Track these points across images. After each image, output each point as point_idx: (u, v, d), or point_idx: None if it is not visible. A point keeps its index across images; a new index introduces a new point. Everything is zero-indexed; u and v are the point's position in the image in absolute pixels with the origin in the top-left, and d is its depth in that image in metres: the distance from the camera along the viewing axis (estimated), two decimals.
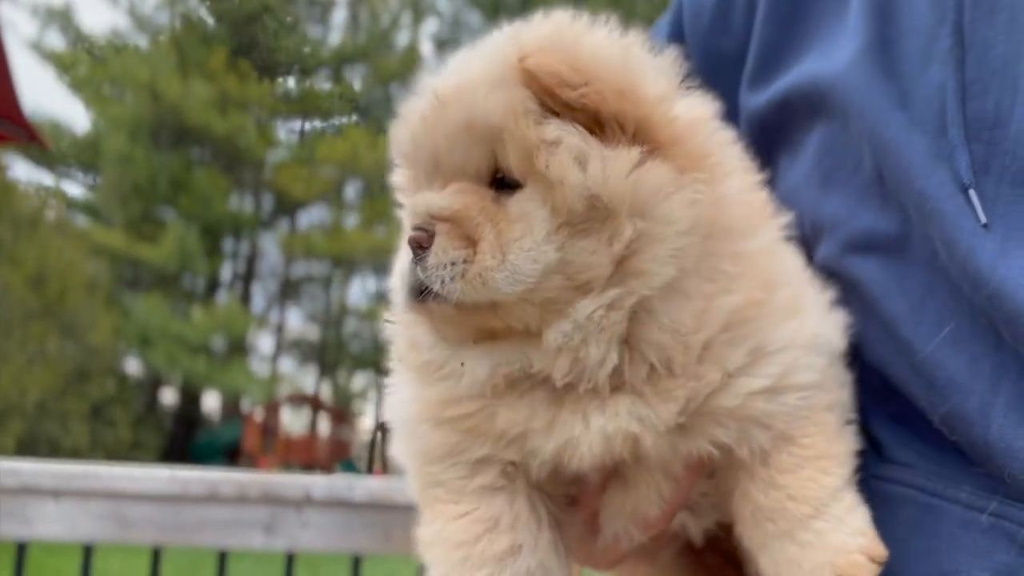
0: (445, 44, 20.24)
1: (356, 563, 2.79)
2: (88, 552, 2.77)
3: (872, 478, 0.94)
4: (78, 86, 18.96)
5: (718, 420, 0.83)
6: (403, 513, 2.53)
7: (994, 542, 0.82)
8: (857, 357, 0.99)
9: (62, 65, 18.91)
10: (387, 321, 0.91)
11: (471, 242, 0.77)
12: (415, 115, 0.80)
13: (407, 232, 0.79)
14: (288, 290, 22.65)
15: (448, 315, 0.79)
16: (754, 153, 1.05)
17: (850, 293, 0.94)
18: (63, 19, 19.18)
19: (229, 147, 18.77)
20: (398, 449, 0.91)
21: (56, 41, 19.11)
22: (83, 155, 18.43)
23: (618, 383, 0.81)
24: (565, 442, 0.81)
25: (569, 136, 0.76)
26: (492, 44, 0.81)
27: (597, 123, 0.77)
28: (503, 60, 0.77)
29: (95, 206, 19.25)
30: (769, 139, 1.06)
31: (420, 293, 0.77)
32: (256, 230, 21.56)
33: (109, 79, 18.63)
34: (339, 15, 20.09)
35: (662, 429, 0.81)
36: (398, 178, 0.86)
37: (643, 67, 0.81)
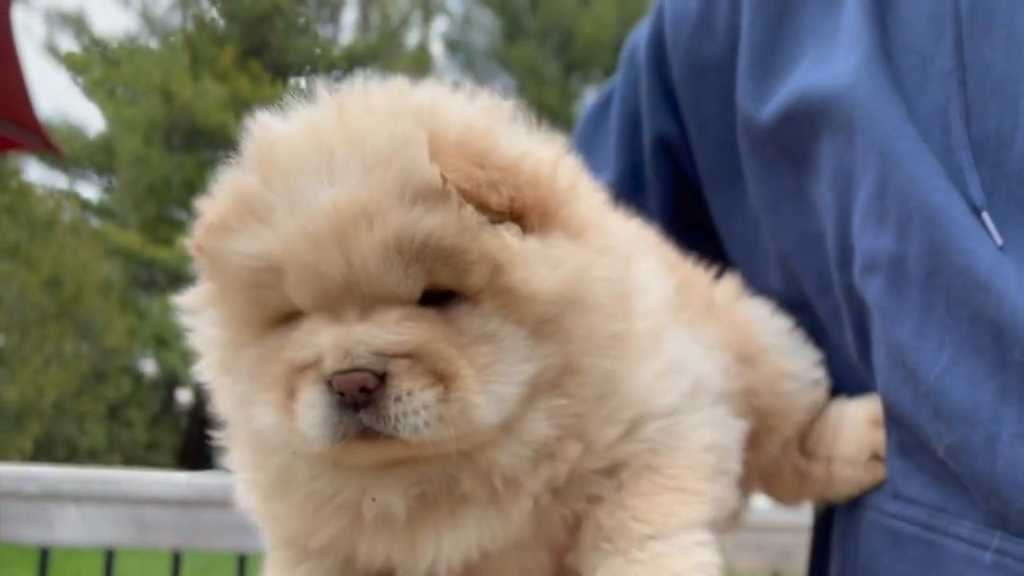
0: (455, 43, 20.26)
1: None
2: (109, 556, 2.82)
3: (882, 515, 0.92)
4: (92, 89, 19.06)
5: (588, 479, 0.78)
6: None
7: None
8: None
9: (76, 68, 19.01)
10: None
11: (439, 378, 0.69)
12: (294, 232, 0.69)
13: (252, 363, 0.72)
14: None
15: (395, 453, 0.72)
16: (771, 167, 1.04)
17: (867, 318, 0.93)
18: (76, 22, 19.27)
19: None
20: (244, 505, 0.85)
21: (69, 44, 19.21)
22: (97, 157, 18.52)
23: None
24: (430, 563, 0.76)
25: (529, 242, 0.71)
26: (381, 137, 0.70)
27: (518, 219, 0.72)
28: (413, 169, 0.69)
29: (110, 208, 19.35)
30: (785, 154, 1.04)
31: (363, 433, 0.69)
32: None
33: (122, 82, 18.71)
34: (349, 15, 20.08)
35: (513, 533, 0.75)
36: (215, 299, 0.75)
37: (516, 141, 0.75)
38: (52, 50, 18.18)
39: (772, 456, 1.05)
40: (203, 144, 18.51)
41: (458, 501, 0.75)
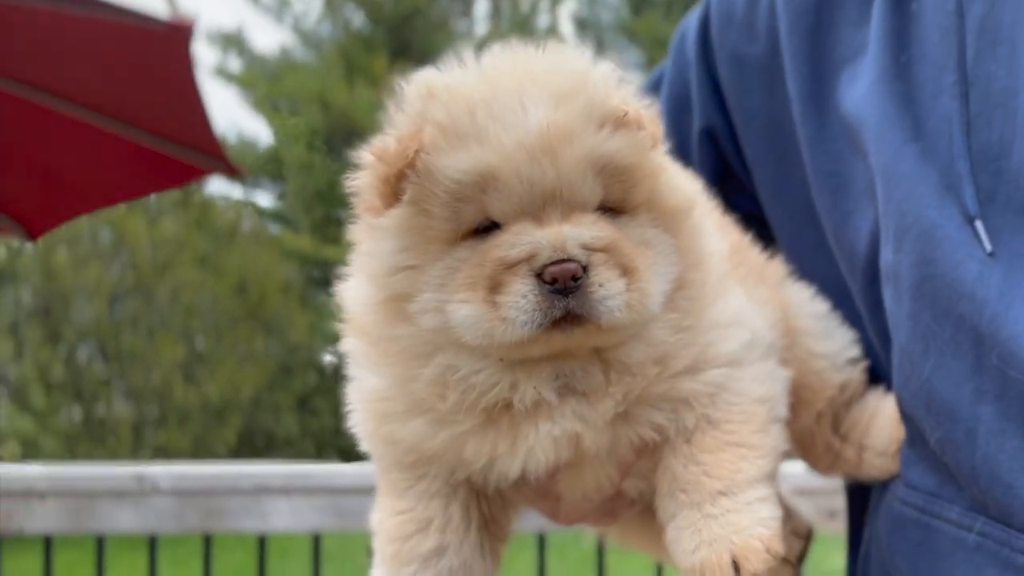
0: (584, 22, 20.17)
1: (541, 541, 3.06)
2: (316, 541, 3.20)
3: (893, 499, 1.01)
4: (257, 104, 20.27)
5: (654, 405, 0.88)
6: None
7: (984, 560, 0.86)
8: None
9: (241, 85, 20.25)
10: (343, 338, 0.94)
11: (625, 270, 0.82)
12: (512, 147, 0.80)
13: (459, 259, 0.81)
14: None
15: (580, 340, 0.83)
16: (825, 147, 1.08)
17: (886, 322, 1.00)
18: (237, 42, 20.51)
19: None
20: (358, 431, 0.97)
21: (233, 63, 20.46)
22: (269, 167, 19.74)
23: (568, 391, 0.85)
24: (527, 459, 0.87)
25: (675, 165, 0.89)
26: (562, 76, 0.84)
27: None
28: (596, 100, 0.83)
29: (283, 214, 20.62)
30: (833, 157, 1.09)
31: (561, 321, 0.80)
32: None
33: (284, 94, 19.82)
34: (481, 7, 20.37)
35: (600, 425, 0.86)
36: (440, 201, 0.83)
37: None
38: (221, 71, 19.46)
39: (806, 426, 1.12)
40: (360, 147, 19.42)
41: (555, 404, 0.86)
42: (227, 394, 15.89)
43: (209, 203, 18.03)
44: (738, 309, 0.94)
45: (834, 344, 1.11)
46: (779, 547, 0.89)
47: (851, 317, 1.12)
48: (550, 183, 0.81)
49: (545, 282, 0.79)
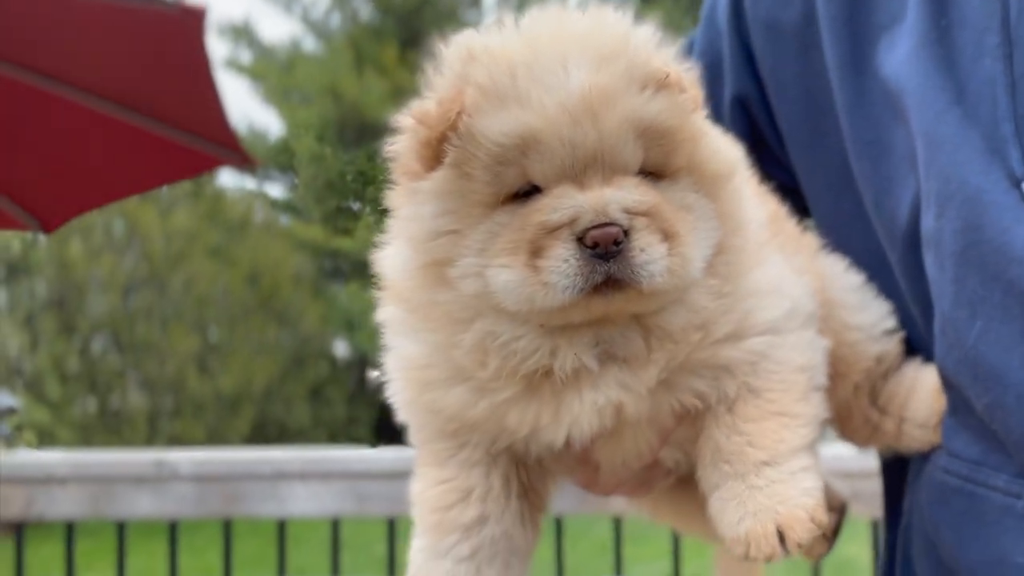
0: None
1: (558, 522, 3.07)
2: (335, 525, 3.22)
3: (935, 469, 1.01)
4: (268, 95, 20.28)
5: (695, 372, 0.88)
6: None
7: None
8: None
9: (251, 77, 20.26)
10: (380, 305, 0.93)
11: (666, 234, 0.81)
12: (553, 109, 0.79)
13: (496, 223, 0.80)
14: None
15: (621, 306, 0.82)
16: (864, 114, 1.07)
17: (928, 290, 0.99)
18: (246, 34, 20.50)
19: None
20: (396, 400, 0.97)
21: (243, 54, 20.46)
22: (280, 158, 19.79)
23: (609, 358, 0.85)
24: (571, 427, 0.87)
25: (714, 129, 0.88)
26: (603, 38, 0.83)
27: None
28: (637, 63, 0.82)
29: (294, 205, 20.67)
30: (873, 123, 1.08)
31: (601, 286, 0.79)
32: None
33: (294, 85, 19.83)
34: None
35: (643, 392, 0.86)
36: (485, 166, 0.82)
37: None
38: (232, 63, 19.48)
39: (843, 399, 1.11)
40: (371, 137, 19.46)
41: (597, 371, 0.86)
42: (240, 384, 15.97)
43: (221, 195, 18.08)
44: (778, 277, 0.94)
45: (870, 316, 1.10)
46: (823, 516, 0.89)
47: (888, 287, 1.11)
48: (591, 146, 0.80)
49: (587, 246, 0.79)
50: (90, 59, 3.65)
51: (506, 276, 0.81)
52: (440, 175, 0.84)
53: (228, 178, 21.72)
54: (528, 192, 0.83)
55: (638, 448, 0.95)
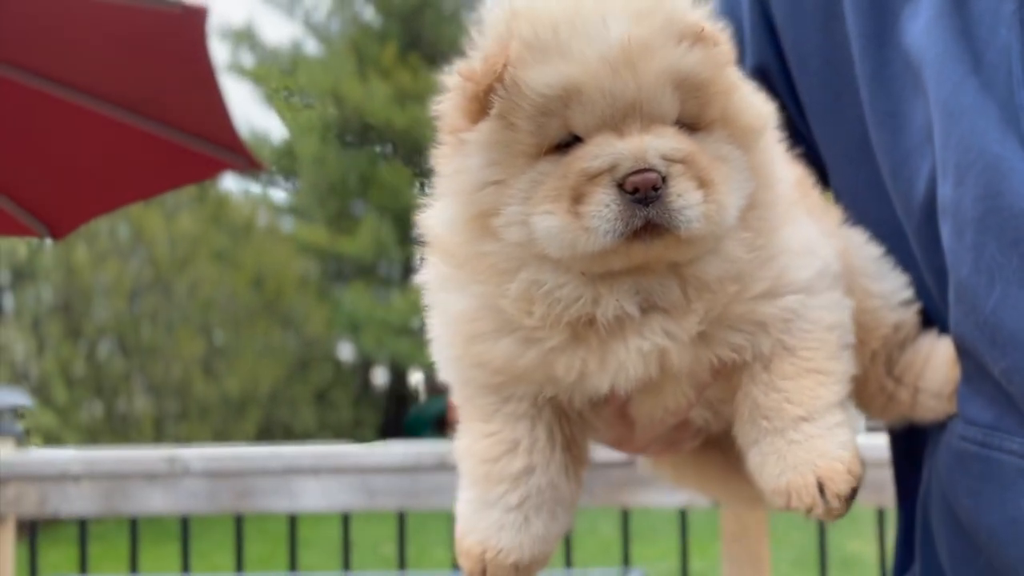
0: None
1: None
2: (345, 520, 3.25)
3: (952, 436, 1.02)
4: (270, 98, 20.29)
5: (732, 326, 0.91)
6: (604, 471, 2.80)
7: None
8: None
9: (254, 80, 20.29)
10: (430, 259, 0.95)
11: (702, 182, 0.83)
12: (594, 61, 0.81)
13: (540, 172, 0.83)
14: None
15: (659, 253, 0.84)
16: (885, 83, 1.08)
17: (943, 260, 1.00)
18: (249, 38, 20.54)
19: (408, 139, 19.64)
20: (440, 363, 0.99)
21: (245, 58, 20.50)
22: (282, 161, 19.82)
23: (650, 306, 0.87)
24: (616, 374, 0.89)
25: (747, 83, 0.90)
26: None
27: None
28: (674, 16, 0.84)
29: (298, 208, 20.70)
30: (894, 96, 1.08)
31: (639, 231, 0.81)
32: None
33: (296, 88, 19.85)
34: None
35: (686, 340, 0.88)
36: (528, 113, 0.84)
37: None
38: (234, 66, 19.53)
39: (861, 367, 1.11)
40: (373, 140, 19.50)
41: (640, 319, 0.89)
42: (246, 387, 16.00)
43: (225, 199, 18.13)
44: (809, 236, 0.96)
45: (889, 284, 1.13)
46: (858, 468, 0.93)
47: (903, 258, 1.12)
48: (631, 96, 0.83)
49: (626, 192, 0.81)
50: (92, 60, 3.65)
51: (549, 222, 0.84)
52: (485, 126, 0.87)
53: (232, 182, 21.78)
54: (569, 142, 0.85)
55: (676, 401, 0.98)
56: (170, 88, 3.79)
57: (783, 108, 1.29)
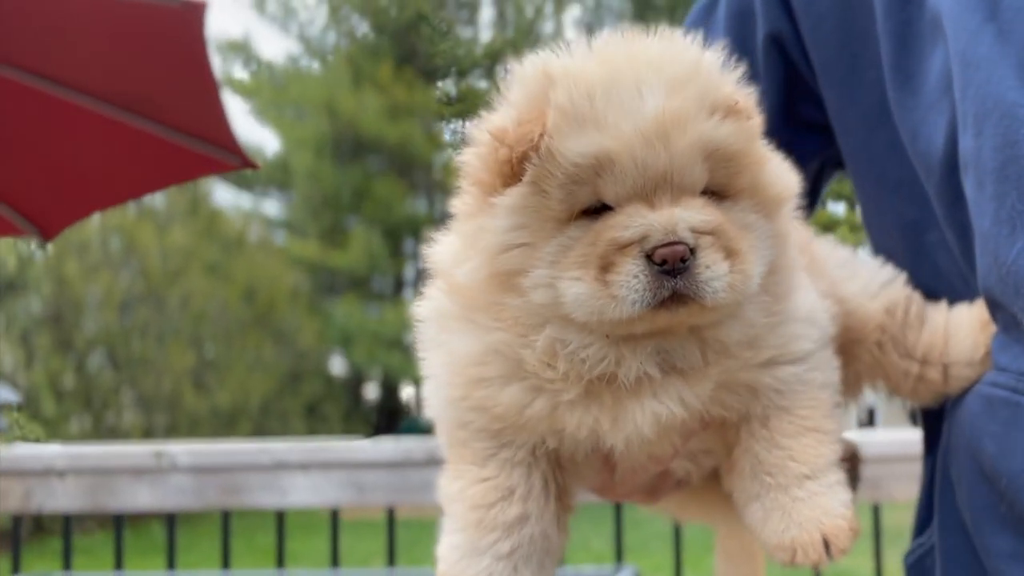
0: (589, 28, 20.27)
1: None
2: (334, 515, 3.21)
3: (982, 384, 1.01)
4: (264, 112, 20.39)
5: (732, 390, 0.93)
6: None
7: None
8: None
9: (248, 94, 20.37)
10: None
11: (729, 252, 0.85)
12: (629, 132, 0.83)
13: (576, 242, 0.85)
14: None
15: (684, 319, 0.86)
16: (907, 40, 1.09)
17: (966, 214, 1.00)
18: (244, 50, 20.62)
19: (401, 153, 19.71)
20: (434, 401, 0.98)
21: (239, 72, 20.56)
22: (276, 175, 19.84)
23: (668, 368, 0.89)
24: (630, 435, 0.90)
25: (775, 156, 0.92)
26: (676, 64, 0.86)
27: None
28: (708, 88, 0.86)
29: (290, 222, 20.70)
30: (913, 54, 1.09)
31: (667, 301, 0.83)
32: (432, 229, 22.50)
33: (290, 102, 19.93)
34: (486, 13, 20.49)
35: (699, 407, 0.91)
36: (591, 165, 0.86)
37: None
38: (229, 80, 19.58)
39: (872, 361, 1.14)
40: (367, 154, 19.55)
41: (657, 381, 0.90)
42: (236, 401, 15.95)
43: (217, 212, 18.14)
44: (813, 305, 0.99)
45: (861, 280, 1.15)
46: (858, 525, 0.95)
47: (924, 218, 1.12)
48: (662, 167, 0.84)
49: (655, 263, 0.83)
50: (88, 56, 3.61)
51: (577, 288, 0.85)
52: (517, 191, 0.88)
53: (224, 195, 21.81)
54: (599, 209, 0.87)
55: (663, 449, 0.99)
56: (166, 85, 3.76)
57: (799, 74, 1.29)
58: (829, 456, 0.97)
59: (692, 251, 0.83)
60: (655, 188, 0.84)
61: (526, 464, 0.97)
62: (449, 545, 0.98)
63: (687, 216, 0.83)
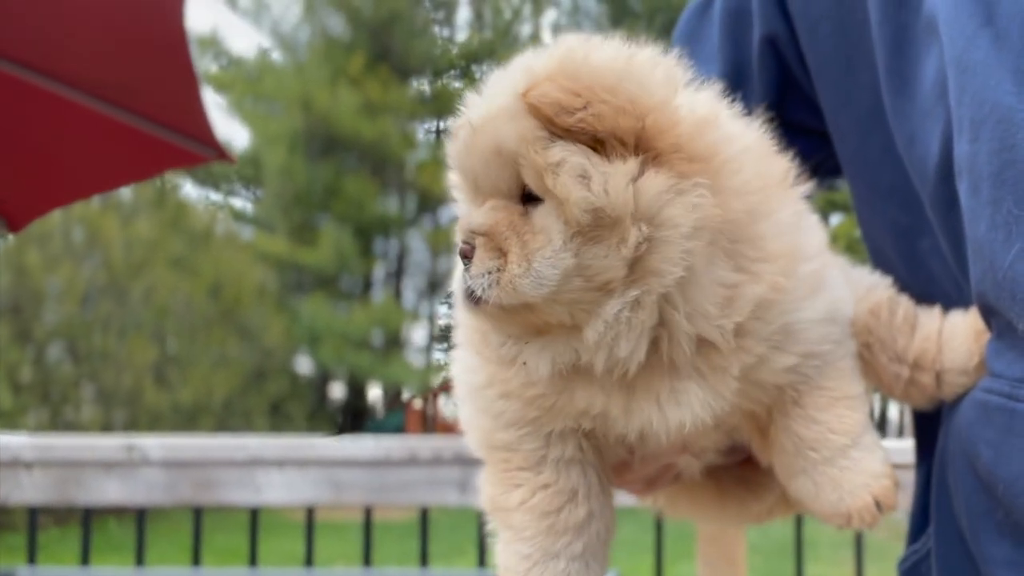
0: (566, 31, 20.35)
1: None
2: (310, 513, 3.17)
3: (978, 390, 1.01)
4: (235, 106, 20.17)
5: (759, 386, 0.96)
6: None
7: None
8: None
9: (220, 88, 20.15)
10: (449, 312, 1.01)
11: (502, 253, 0.87)
12: (458, 138, 0.90)
13: (458, 241, 0.91)
14: (436, 284, 23.50)
15: (495, 315, 0.89)
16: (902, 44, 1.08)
17: (960, 221, 0.99)
18: (214, 45, 20.40)
19: (375, 152, 19.61)
20: (465, 411, 1.01)
21: (208, 65, 20.33)
22: (245, 171, 19.62)
23: (669, 362, 0.90)
24: (643, 426, 0.92)
25: (572, 156, 0.85)
26: (513, 73, 0.89)
27: (598, 141, 0.85)
28: (515, 91, 0.87)
29: (259, 217, 20.48)
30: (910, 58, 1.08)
31: (470, 297, 0.88)
32: (403, 229, 22.47)
33: (262, 97, 19.73)
34: (463, 14, 20.47)
35: (727, 408, 0.93)
36: (453, 180, 0.95)
37: (642, 80, 0.87)
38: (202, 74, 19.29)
39: (864, 361, 1.14)
40: (340, 150, 19.41)
41: (674, 376, 0.91)
42: (199, 397, 15.71)
43: (184, 205, 17.89)
44: (836, 302, 1.01)
45: (824, 302, 1.17)
46: (897, 477, 1.01)
47: (918, 225, 1.12)
48: (469, 174, 0.91)
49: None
50: (63, 43, 3.52)
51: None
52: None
53: (192, 188, 21.52)
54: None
55: (714, 444, 1.04)
56: (143, 75, 3.68)
57: (794, 77, 1.29)
58: (862, 420, 1.01)
59: (474, 250, 0.88)
60: (473, 190, 0.91)
61: (579, 462, 0.99)
62: (517, 555, 0.99)
63: (469, 218, 0.88)
